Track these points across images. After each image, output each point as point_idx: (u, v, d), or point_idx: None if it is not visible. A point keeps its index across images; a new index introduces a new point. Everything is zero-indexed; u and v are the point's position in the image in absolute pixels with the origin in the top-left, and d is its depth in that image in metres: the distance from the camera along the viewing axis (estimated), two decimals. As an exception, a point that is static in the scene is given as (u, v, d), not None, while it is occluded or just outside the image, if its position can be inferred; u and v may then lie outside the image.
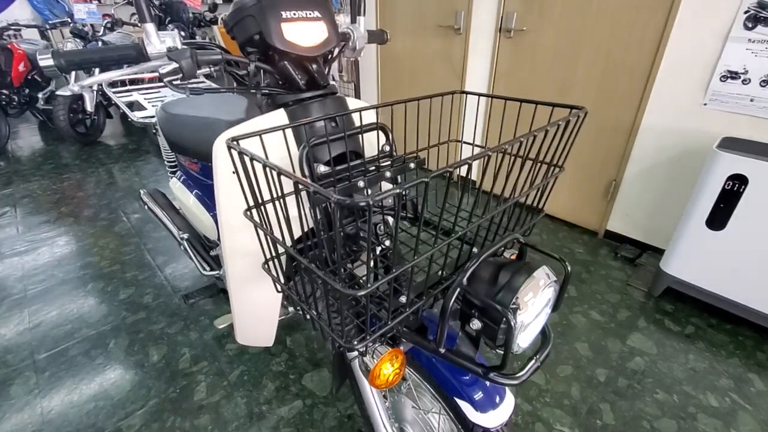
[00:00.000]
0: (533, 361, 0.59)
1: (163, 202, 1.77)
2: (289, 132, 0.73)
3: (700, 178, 1.52)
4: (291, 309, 1.26)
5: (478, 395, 0.70)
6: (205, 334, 1.58)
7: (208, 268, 1.46)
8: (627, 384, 1.37)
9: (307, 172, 0.67)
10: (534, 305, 0.55)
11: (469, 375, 0.72)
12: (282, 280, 0.63)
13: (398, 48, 2.89)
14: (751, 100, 1.56)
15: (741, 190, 1.43)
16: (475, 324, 0.56)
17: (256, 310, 1.04)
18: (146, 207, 1.77)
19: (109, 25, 3.45)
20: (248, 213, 0.60)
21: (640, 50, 1.81)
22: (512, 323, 0.53)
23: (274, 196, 0.53)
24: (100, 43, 3.23)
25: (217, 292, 1.41)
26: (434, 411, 0.88)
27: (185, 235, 1.39)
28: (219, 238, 1.31)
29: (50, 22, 3.91)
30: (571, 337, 1.55)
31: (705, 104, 1.68)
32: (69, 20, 3.76)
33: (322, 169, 0.68)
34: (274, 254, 0.62)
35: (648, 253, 2.03)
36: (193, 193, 1.34)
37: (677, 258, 1.64)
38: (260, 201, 0.56)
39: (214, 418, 1.27)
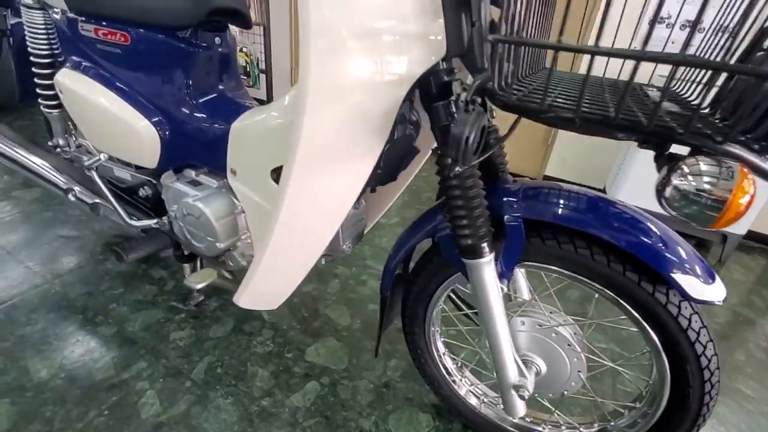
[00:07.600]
0: None
1: (13, 137, 1.12)
2: None
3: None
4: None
5: (697, 265, 0.54)
6: (128, 325, 1.03)
7: (141, 217, 0.96)
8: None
9: None
10: None
11: (681, 245, 0.55)
12: None
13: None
14: (672, 43, 1.79)
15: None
16: None
17: (291, 263, 0.70)
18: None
19: None
20: None
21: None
22: None
23: None
24: None
25: (173, 246, 0.91)
26: (561, 322, 0.68)
27: (98, 160, 0.85)
28: (161, 161, 0.84)
29: None
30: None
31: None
32: None
33: None
34: None
35: (581, 192, 2.22)
36: (113, 87, 0.83)
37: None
38: None
39: (189, 437, 0.81)
